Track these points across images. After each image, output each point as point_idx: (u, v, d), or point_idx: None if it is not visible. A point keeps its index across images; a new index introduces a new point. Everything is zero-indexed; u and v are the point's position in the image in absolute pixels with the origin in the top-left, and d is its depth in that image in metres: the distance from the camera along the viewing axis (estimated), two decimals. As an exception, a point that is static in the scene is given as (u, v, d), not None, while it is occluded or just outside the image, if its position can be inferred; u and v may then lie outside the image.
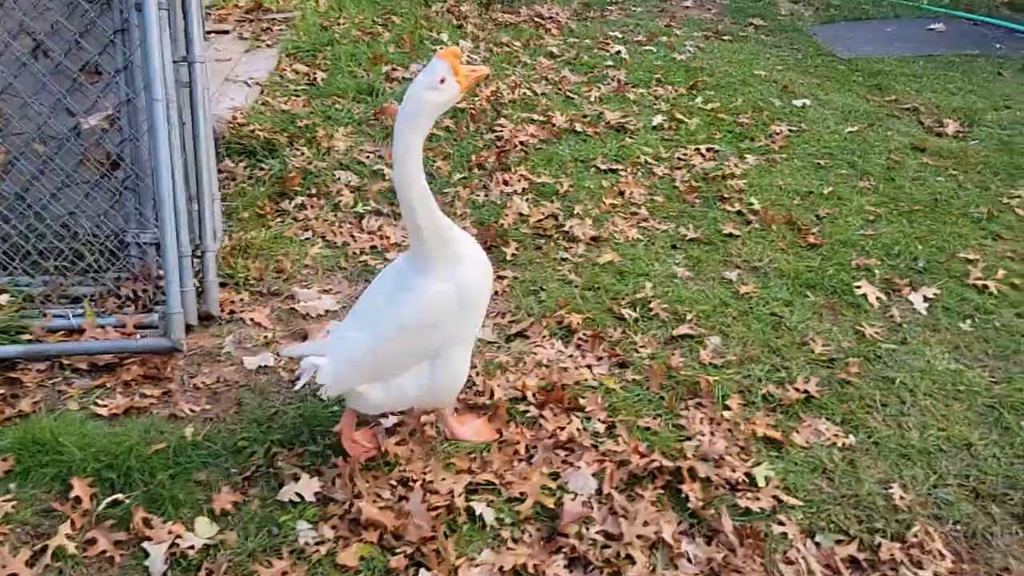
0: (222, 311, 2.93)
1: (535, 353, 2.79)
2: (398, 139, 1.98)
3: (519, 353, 2.81)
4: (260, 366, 2.71)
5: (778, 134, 4.37)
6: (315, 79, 4.79)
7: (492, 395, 2.57)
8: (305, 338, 2.84)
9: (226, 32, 5.53)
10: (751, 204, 3.71)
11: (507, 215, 3.57)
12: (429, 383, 2.19)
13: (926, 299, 3.12)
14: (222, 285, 3.03)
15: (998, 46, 5.65)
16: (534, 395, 2.58)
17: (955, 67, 5.29)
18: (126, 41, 2.87)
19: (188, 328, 2.77)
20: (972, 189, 3.90)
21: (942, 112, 4.67)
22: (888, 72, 5.20)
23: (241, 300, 3.01)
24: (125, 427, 2.41)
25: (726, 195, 3.79)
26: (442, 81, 1.97)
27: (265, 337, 2.84)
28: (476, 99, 4.62)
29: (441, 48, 5.34)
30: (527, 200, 3.70)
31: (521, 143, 4.20)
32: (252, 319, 2.91)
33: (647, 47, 5.56)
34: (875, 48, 5.60)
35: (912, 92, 4.92)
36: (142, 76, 2.79)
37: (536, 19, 5.91)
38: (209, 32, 5.46)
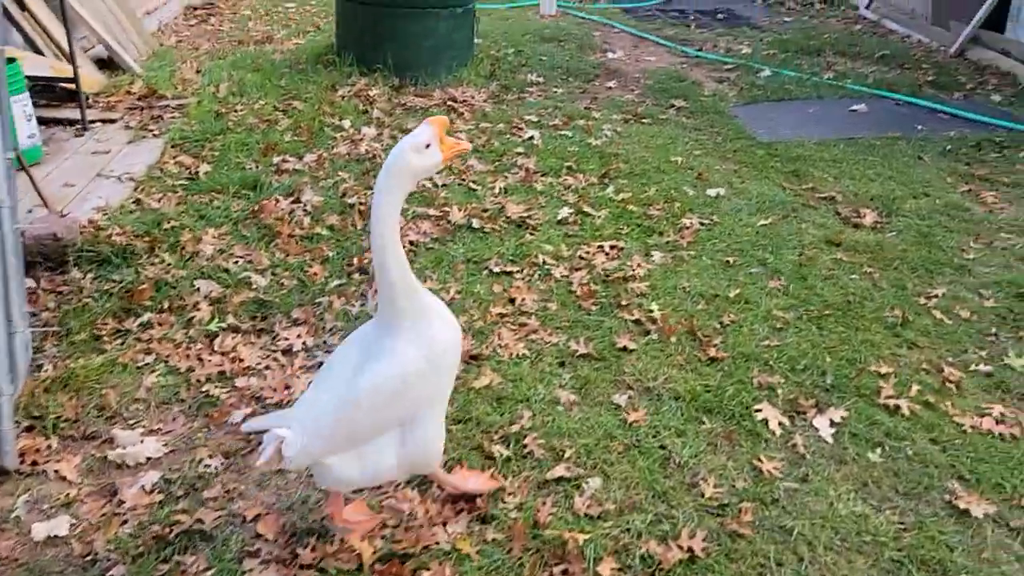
0: (23, 462, 2.52)
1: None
2: (378, 197, 1.97)
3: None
4: (50, 535, 2.29)
5: (688, 228, 4.10)
6: (197, 173, 4.46)
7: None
8: (115, 494, 2.44)
9: (112, 121, 5.20)
10: (651, 311, 3.40)
11: (380, 330, 3.22)
12: (405, 451, 2.12)
13: (833, 423, 2.82)
14: (28, 429, 2.63)
15: (919, 127, 5.50)
16: (371, 568, 2.19)
17: (875, 151, 5.12)
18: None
19: (-28, 488, 2.36)
20: (887, 289, 3.64)
21: (860, 200, 4.46)
22: (807, 157, 5.00)
23: (48, 447, 2.60)
24: None
25: (625, 300, 3.48)
26: (427, 146, 1.99)
27: (67, 495, 2.44)
28: (366, 192, 4.32)
29: (341, 135, 5.08)
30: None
31: (411, 243, 3.88)
32: (57, 471, 2.51)
33: (563, 131, 5.32)
34: (796, 131, 5.42)
35: (830, 179, 4.71)
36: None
37: (449, 102, 5.66)
38: (93, 121, 5.14)
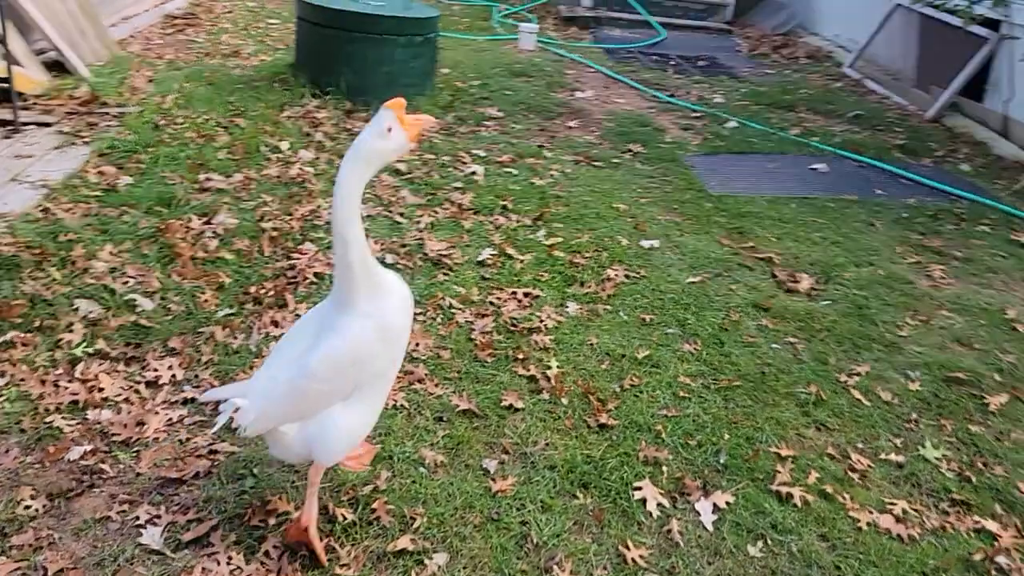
0: None
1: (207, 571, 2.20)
2: (339, 182, 2.03)
3: (184, 569, 2.22)
4: None
5: (611, 280, 3.91)
6: (115, 185, 4.28)
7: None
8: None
9: (48, 125, 5.04)
10: (548, 367, 3.20)
11: (255, 366, 3.03)
12: (341, 422, 2.17)
13: (716, 509, 2.61)
14: None
15: (879, 192, 5.33)
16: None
17: (827, 213, 4.94)
18: None
19: None
20: (808, 362, 3.44)
21: (799, 264, 4.27)
22: (755, 214, 4.83)
23: None
24: None
25: (524, 354, 3.28)
26: (389, 130, 2.02)
27: None
28: (287, 217, 4.14)
29: (277, 156, 4.91)
30: (287, 349, 3.15)
31: (316, 274, 3.69)
32: None
33: (508, 169, 5.16)
34: (749, 185, 5.25)
35: (773, 239, 4.53)
36: None
37: (398, 130, 5.49)
38: (27, 123, 4.98)
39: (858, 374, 3.39)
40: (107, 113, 5.28)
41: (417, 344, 3.27)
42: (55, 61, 5.79)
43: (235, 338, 3.22)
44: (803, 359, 3.46)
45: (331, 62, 5.71)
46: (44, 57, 5.91)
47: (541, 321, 3.53)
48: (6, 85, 4.95)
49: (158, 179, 4.40)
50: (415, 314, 3.43)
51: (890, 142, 6.37)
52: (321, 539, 2.30)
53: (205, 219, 4.04)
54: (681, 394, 3.14)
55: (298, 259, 3.78)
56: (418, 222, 4.31)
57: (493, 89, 6.70)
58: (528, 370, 3.19)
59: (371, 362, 2.17)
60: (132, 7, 8.70)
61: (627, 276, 3.97)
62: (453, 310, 3.55)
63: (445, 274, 3.84)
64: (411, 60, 5.77)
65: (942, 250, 4.61)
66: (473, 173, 5.00)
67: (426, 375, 3.10)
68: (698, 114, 6.74)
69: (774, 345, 3.54)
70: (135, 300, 3.37)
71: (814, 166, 5.66)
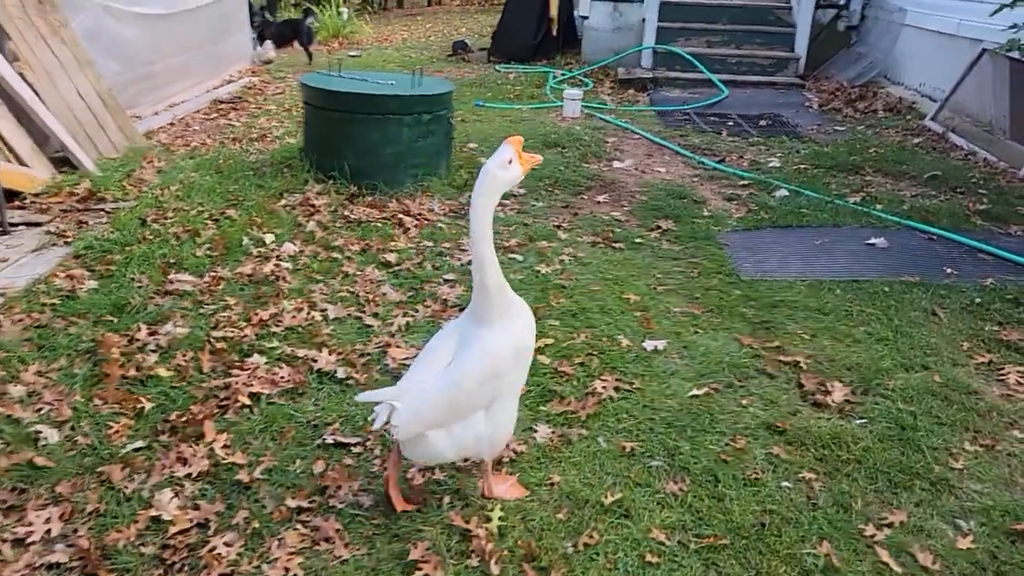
0: None
1: None
2: (474, 208, 2.32)
3: None
4: None
5: (596, 395, 3.31)
6: (77, 290, 4.01)
7: None
8: None
9: (38, 224, 4.89)
10: (488, 519, 2.62)
11: (137, 521, 2.59)
12: (485, 430, 2.47)
13: None
14: None
15: (948, 271, 4.52)
16: None
17: (879, 300, 4.18)
18: None
19: None
20: (825, 507, 2.73)
21: (833, 370, 3.55)
22: (788, 303, 4.13)
23: None
24: None
25: (468, 499, 2.72)
26: (509, 162, 2.34)
27: None
28: (244, 324, 3.75)
29: (258, 250, 4.57)
30: (181, 497, 2.71)
31: (252, 395, 3.25)
32: None
33: (514, 255, 4.65)
34: (789, 267, 4.56)
35: (805, 337, 3.82)
36: None
37: (400, 215, 5.10)
38: (16, 224, 4.84)
39: (890, 525, 2.65)
40: (102, 210, 5.11)
41: (339, 488, 2.76)
42: (64, 157, 5.71)
43: (132, 480, 2.80)
44: (818, 503, 2.75)
45: (334, 146, 5.41)
46: (59, 153, 5.85)
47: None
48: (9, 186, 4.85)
49: (123, 282, 4.11)
50: (351, 444, 2.97)
51: (971, 207, 5.52)
52: None
53: (151, 329, 3.69)
54: (649, 558, 2.50)
55: (237, 376, 3.35)
56: (391, 324, 3.84)
57: (519, 164, 6.24)
58: (464, 522, 2.62)
59: (506, 375, 2.45)
60: (182, 94, 8.80)
61: (617, 389, 3.36)
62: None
63: (401, 391, 3.32)
64: (418, 140, 5.39)
65: (1022, 346, 3.78)
66: (471, 262, 4.51)
67: (335, 532, 2.57)
68: (746, 182, 6.07)
69: (784, 483, 2.84)
70: (40, 432, 3.01)
71: (871, 241, 4.90)
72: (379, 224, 4.97)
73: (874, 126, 7.89)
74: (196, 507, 2.67)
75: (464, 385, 2.39)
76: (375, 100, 5.23)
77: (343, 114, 5.28)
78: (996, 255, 4.70)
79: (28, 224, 4.91)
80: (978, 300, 4.19)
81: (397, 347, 3.63)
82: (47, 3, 6.02)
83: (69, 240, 4.64)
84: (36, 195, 5.21)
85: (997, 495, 2.81)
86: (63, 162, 5.71)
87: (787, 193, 5.73)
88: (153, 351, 3.54)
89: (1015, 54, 6.58)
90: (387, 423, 2.33)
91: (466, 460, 2.76)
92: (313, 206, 5.15)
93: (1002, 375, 3.54)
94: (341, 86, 5.39)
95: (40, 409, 3.15)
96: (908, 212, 5.39)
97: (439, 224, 5.05)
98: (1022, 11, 5.30)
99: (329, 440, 3.01)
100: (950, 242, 4.94)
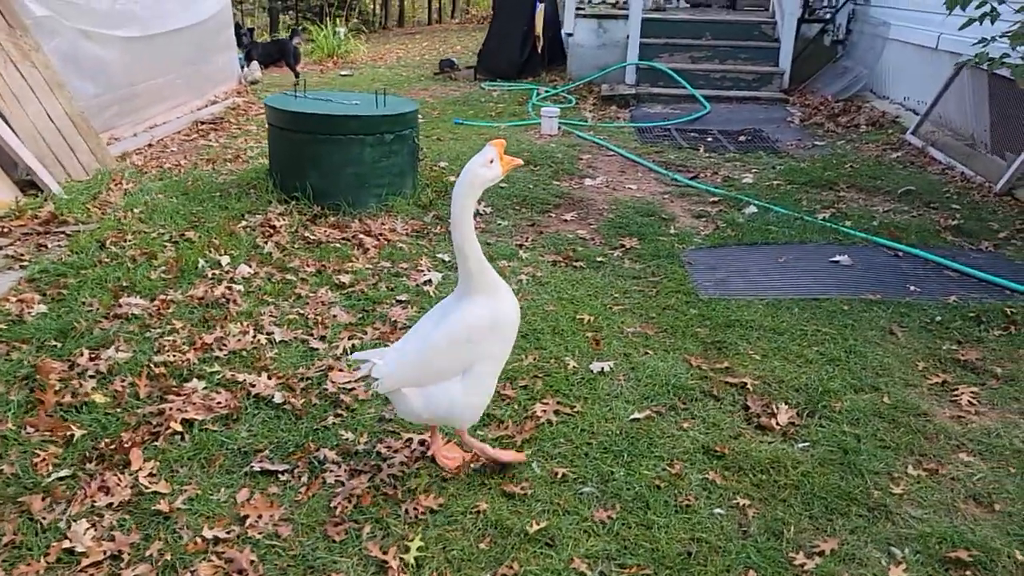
0: None
1: None
2: (455, 202, 2.53)
3: None
4: None
5: (535, 418, 3.25)
6: (25, 315, 3.98)
7: None
8: None
9: (-3, 248, 4.87)
10: (407, 548, 2.56)
11: (49, 553, 2.53)
12: (459, 396, 2.67)
13: None
14: None
15: (912, 289, 4.45)
16: None
17: (836, 319, 4.11)
18: None
19: None
20: (756, 535, 2.66)
21: (781, 391, 3.48)
22: (744, 323, 4.06)
23: None
24: None
25: (388, 529, 2.66)
26: (491, 161, 2.54)
27: None
28: (187, 348, 3.71)
29: (213, 273, 4.53)
30: (98, 528, 2.66)
31: (185, 421, 3.21)
32: None
33: (472, 275, 4.59)
34: (750, 286, 4.49)
35: (756, 357, 3.75)
36: None
37: (361, 235, 5.06)
38: (-27, 248, 4.81)
39: (821, 553, 2.58)
40: (63, 232, 5.09)
41: (260, 516, 2.70)
42: (31, 180, 5.71)
43: (51, 510, 2.75)
44: (750, 531, 2.68)
45: (297, 166, 5.39)
46: (28, 177, 5.85)
47: (430, 477, 2.91)
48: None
49: (73, 306, 4.08)
50: (278, 472, 2.92)
51: (941, 223, 5.45)
52: None
53: (94, 354, 3.65)
54: (567, 590, 2.43)
55: (172, 402, 3.31)
56: (337, 347, 3.79)
57: (489, 182, 6.20)
58: (384, 553, 2.56)
59: (481, 344, 2.63)
60: (163, 115, 8.81)
61: (557, 412, 3.30)
62: (326, 465, 2.98)
63: (338, 415, 3.28)
64: (381, 159, 5.36)
65: (979, 366, 3.70)
66: (427, 282, 4.48)
67: (250, 564, 2.51)
68: (716, 199, 6.02)
69: (716, 510, 2.77)
70: (-42, 467, 2.96)
71: (836, 258, 4.83)
72: (338, 245, 4.94)
73: (854, 141, 7.84)
74: (111, 538, 2.62)
75: (438, 345, 2.60)
76: (336, 121, 5.21)
77: (305, 135, 5.27)
78: (961, 271, 4.63)
79: (-16, 249, 4.89)
80: (939, 318, 4.12)
81: (340, 370, 3.58)
82: (17, 28, 6.04)
83: (25, 264, 4.62)
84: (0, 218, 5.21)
85: (936, 521, 2.73)
86: (30, 184, 5.71)
87: (756, 210, 5.68)
88: (92, 376, 3.50)
89: (986, 67, 6.52)
90: (369, 374, 2.61)
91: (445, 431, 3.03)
92: (273, 227, 5.12)
93: (955, 396, 3.47)
94: (304, 107, 5.37)
95: (-32, 437, 3.10)
96: (877, 228, 5.32)
97: (399, 244, 5.01)
98: (990, 25, 5.23)
99: (257, 468, 2.95)
100: (916, 259, 4.87)
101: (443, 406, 2.68)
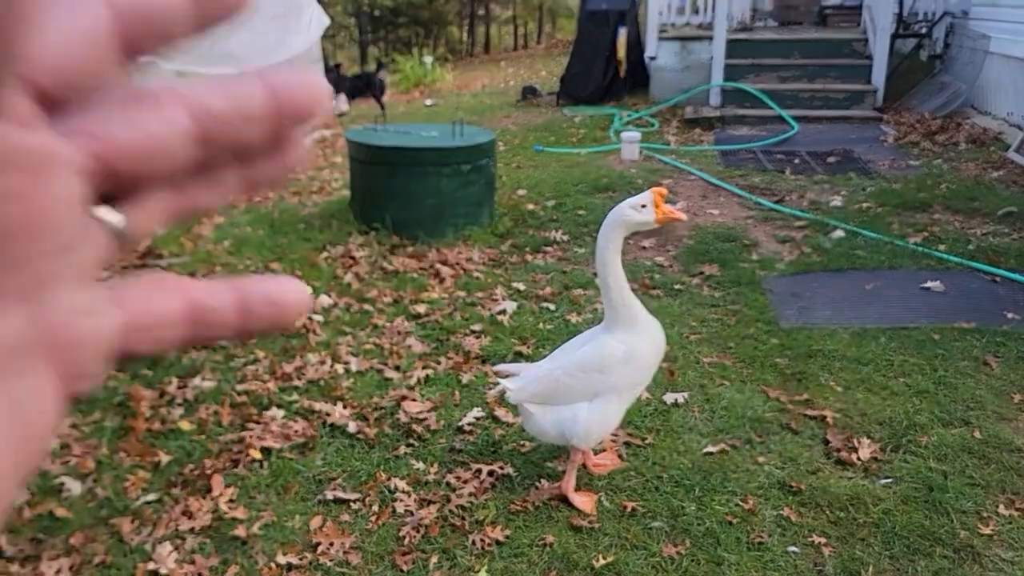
0: None
1: None
2: (599, 238, 2.66)
3: None
4: None
5: (606, 450, 3.22)
6: (122, 343, 4.20)
7: None
8: None
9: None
10: (472, 582, 2.57)
11: (136, 573, 2.66)
12: (583, 420, 2.74)
13: None
14: None
15: (1010, 316, 4.22)
16: None
17: (926, 349, 3.93)
18: None
19: None
20: (833, 574, 2.56)
21: (864, 425, 3.35)
22: (827, 353, 3.93)
23: None
24: None
25: (455, 560, 2.68)
26: (643, 206, 2.57)
27: None
28: (268, 377, 3.84)
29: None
30: (180, 551, 2.77)
31: (264, 449, 3.32)
32: None
33: (546, 304, 4.62)
34: (835, 314, 4.35)
35: (838, 389, 3.62)
36: None
37: (438, 264, 5.15)
38: (80, 279, 5.12)
39: (903, 599, 2.46)
40: (159, 266, 5.36)
41: (331, 544, 2.77)
42: (133, 214, 6.03)
43: (138, 533, 2.88)
44: (825, 570, 2.58)
45: (377, 198, 5.54)
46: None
47: (498, 509, 2.92)
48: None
49: (166, 335, 4.28)
50: (349, 500, 2.99)
51: (1042, 245, 5.16)
52: None
53: (182, 382, 3.83)
54: (631, 628, 2.39)
55: (251, 430, 3.43)
56: (410, 377, 3.86)
57: (566, 209, 6.24)
58: (440, 589, 2.58)
59: (612, 375, 2.70)
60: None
61: (627, 444, 3.26)
62: (397, 494, 3.03)
63: (409, 445, 3.33)
64: (459, 190, 5.46)
65: (1083, 398, 3.47)
66: (502, 311, 4.51)
67: (317, 590, 2.58)
68: (803, 223, 5.86)
69: (791, 548, 2.68)
70: (64, 484, 3.15)
71: (926, 284, 4.63)
72: (415, 275, 5.03)
73: (952, 160, 7.51)
74: (192, 561, 2.73)
75: (569, 369, 2.73)
76: (414, 153, 5.33)
77: (384, 167, 5.41)
78: (1065, 297, 4.36)
79: (92, 280, 5.19)
80: (1038, 347, 3.89)
81: (412, 400, 3.64)
82: (122, 71, 6.43)
83: (125, 295, 4.88)
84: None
85: (1030, 567, 2.57)
86: (131, 219, 6.04)
87: (843, 234, 5.50)
88: (180, 404, 3.67)
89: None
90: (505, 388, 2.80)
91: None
92: (353, 258, 5.26)
93: (1055, 431, 3.26)
94: (383, 140, 5.52)
95: (68, 461, 3.29)
96: (973, 252, 5.07)
97: (475, 273, 5.07)
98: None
99: (330, 496, 3.03)
100: (1015, 284, 4.62)
101: (566, 427, 2.77)
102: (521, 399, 2.79)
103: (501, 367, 2.98)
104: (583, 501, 2.90)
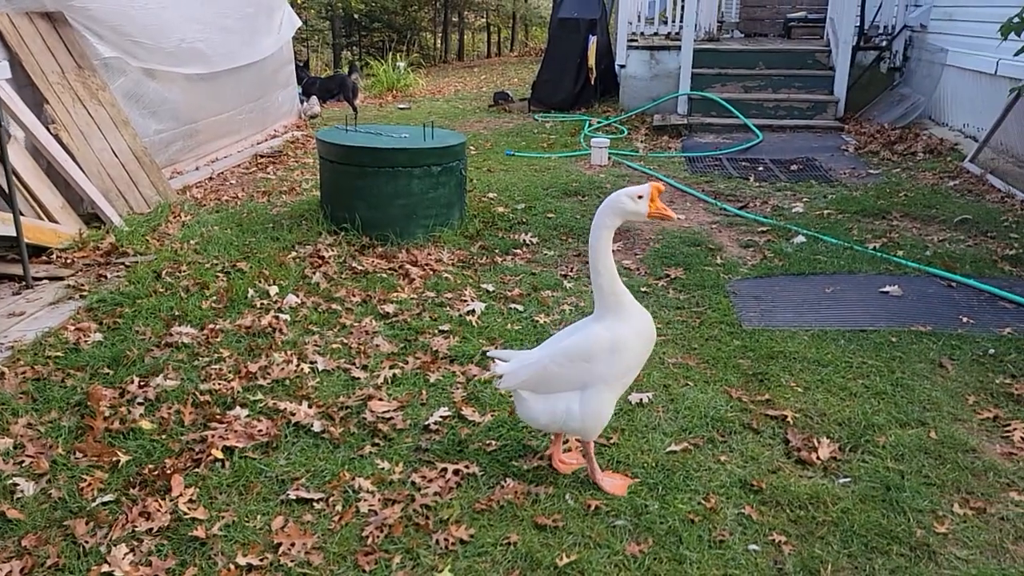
0: None
1: None
2: (594, 223, 2.68)
3: None
4: None
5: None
6: (82, 343, 4.14)
7: None
8: None
9: (60, 279, 5.08)
10: (435, 580, 2.57)
11: None
12: (577, 409, 2.79)
13: None
14: None
15: (964, 320, 4.32)
16: None
17: (883, 351, 4.01)
18: None
19: None
20: (792, 572, 2.60)
21: (823, 425, 3.40)
22: (788, 355, 3.99)
23: None
24: None
25: (418, 560, 2.67)
26: (639, 197, 2.60)
27: None
28: (232, 376, 3.80)
29: (261, 303, 4.60)
30: (136, 552, 2.73)
31: (226, 449, 3.28)
32: None
33: (514, 305, 4.63)
34: (796, 317, 4.42)
35: (798, 390, 3.68)
36: None
37: (407, 264, 5.14)
38: (40, 278, 5.04)
39: (860, 595, 2.50)
40: (123, 264, 5.29)
41: (292, 544, 2.75)
42: (94, 213, 5.95)
43: (93, 535, 2.83)
44: (785, 568, 2.62)
45: (347, 198, 5.51)
46: (92, 210, 6.10)
47: (463, 508, 2.92)
48: (37, 241, 5.08)
49: (127, 335, 4.23)
50: (312, 500, 2.97)
51: (998, 252, 5.28)
52: None
53: (143, 381, 3.77)
54: (593, 624, 2.40)
55: (214, 430, 3.39)
56: (378, 376, 3.84)
57: (536, 212, 6.27)
58: (409, 586, 2.57)
59: (599, 365, 2.73)
60: (225, 149, 9.10)
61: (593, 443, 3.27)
62: (361, 494, 3.01)
63: (375, 445, 3.32)
64: (429, 191, 5.45)
65: (1035, 399, 3.56)
66: (471, 312, 4.52)
67: (279, 589, 2.55)
68: (765, 228, 5.94)
69: (751, 546, 2.71)
70: (17, 485, 3.09)
71: (885, 289, 4.72)
72: (384, 275, 5.02)
73: (910, 169, 7.67)
74: (148, 563, 2.68)
75: (556, 357, 2.76)
76: (385, 153, 5.32)
77: (354, 167, 5.39)
78: (1018, 303, 4.47)
79: (51, 278, 5.11)
80: (992, 351, 3.98)
81: (379, 400, 3.63)
82: (86, 68, 6.35)
83: (85, 293, 4.81)
84: (63, 250, 5.43)
85: (983, 563, 2.62)
86: (93, 217, 5.95)
87: (804, 239, 5.59)
88: (140, 403, 3.61)
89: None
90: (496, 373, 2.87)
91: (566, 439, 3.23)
92: (322, 258, 5.23)
93: (1007, 432, 3.34)
94: (353, 140, 5.51)
95: (22, 462, 3.23)
96: (930, 258, 5.18)
97: (445, 274, 5.06)
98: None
99: (292, 496, 3.00)
100: (970, 289, 4.72)
101: (560, 416, 2.82)
102: (511, 385, 2.85)
103: (492, 352, 3.05)
104: (614, 485, 2.96)
